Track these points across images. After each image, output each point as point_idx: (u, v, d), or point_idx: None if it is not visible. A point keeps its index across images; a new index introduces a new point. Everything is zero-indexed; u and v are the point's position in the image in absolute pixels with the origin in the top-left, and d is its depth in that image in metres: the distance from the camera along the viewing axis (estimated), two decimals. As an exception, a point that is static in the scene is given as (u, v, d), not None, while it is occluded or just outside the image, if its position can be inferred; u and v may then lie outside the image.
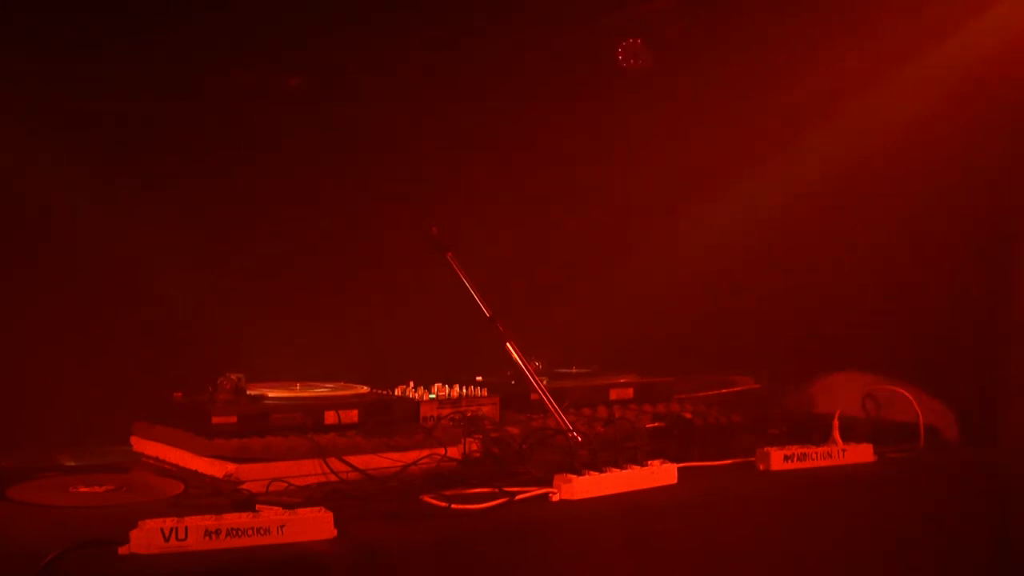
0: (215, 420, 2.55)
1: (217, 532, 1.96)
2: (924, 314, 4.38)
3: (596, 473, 2.46)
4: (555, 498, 2.41)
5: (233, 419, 2.57)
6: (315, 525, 2.04)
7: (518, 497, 2.36)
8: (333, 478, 2.46)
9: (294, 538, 2.01)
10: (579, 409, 3.08)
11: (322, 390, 2.89)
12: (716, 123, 5.07)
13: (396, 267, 5.74)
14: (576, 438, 2.64)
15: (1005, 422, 3.95)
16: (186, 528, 1.94)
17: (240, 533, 1.97)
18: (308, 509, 2.07)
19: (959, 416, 3.90)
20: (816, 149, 4.84)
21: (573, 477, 2.41)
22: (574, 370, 3.43)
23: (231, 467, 2.44)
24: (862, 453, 2.91)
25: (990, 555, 3.00)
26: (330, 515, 2.07)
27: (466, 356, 3.31)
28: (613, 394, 3.23)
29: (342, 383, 2.98)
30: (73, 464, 2.97)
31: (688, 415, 2.95)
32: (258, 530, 1.99)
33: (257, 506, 2.11)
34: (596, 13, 5.33)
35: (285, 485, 2.43)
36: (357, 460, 2.51)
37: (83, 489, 2.40)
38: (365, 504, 2.27)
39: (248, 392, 2.71)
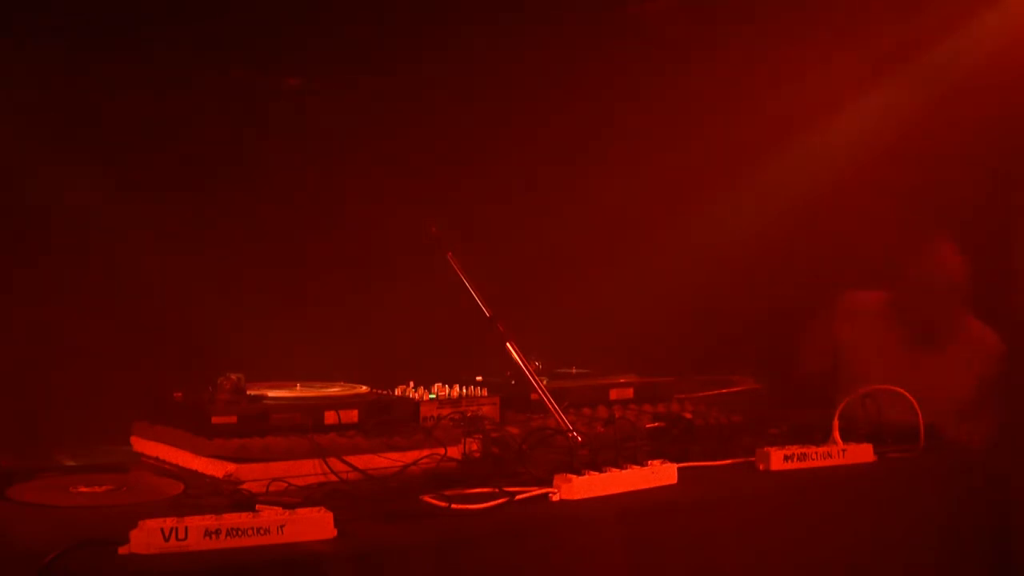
0: (215, 420, 2.55)
1: (217, 532, 1.96)
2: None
3: (596, 473, 2.45)
4: (555, 498, 2.41)
5: (233, 419, 2.57)
6: (315, 525, 2.04)
7: (518, 497, 2.36)
8: (333, 478, 2.46)
9: (294, 538, 2.01)
10: (579, 409, 3.07)
11: (322, 390, 2.89)
12: (716, 124, 5.08)
13: (396, 267, 5.74)
14: (576, 438, 2.64)
15: (1006, 422, 3.96)
16: (186, 528, 1.94)
17: (240, 533, 1.97)
18: (308, 509, 2.07)
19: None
20: (817, 149, 4.85)
21: (573, 477, 2.41)
22: (574, 370, 3.43)
23: (231, 467, 2.44)
24: (862, 453, 2.91)
25: (990, 555, 3.00)
26: (330, 515, 2.07)
27: (466, 356, 3.31)
28: (613, 394, 3.23)
29: (342, 383, 2.97)
30: (73, 464, 2.97)
31: (688, 415, 2.94)
32: (258, 530, 1.99)
33: (257, 506, 2.11)
34: (596, 13, 5.33)
35: (285, 485, 2.43)
36: (357, 460, 2.51)
37: (83, 489, 2.40)
38: (365, 504, 2.27)
39: (248, 392, 2.71)
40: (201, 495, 2.35)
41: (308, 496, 2.30)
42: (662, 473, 2.58)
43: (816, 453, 2.84)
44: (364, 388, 2.96)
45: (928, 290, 4.15)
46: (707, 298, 5.05)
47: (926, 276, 4.16)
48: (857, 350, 4.28)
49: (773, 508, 2.66)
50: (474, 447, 2.69)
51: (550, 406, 2.73)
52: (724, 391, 3.49)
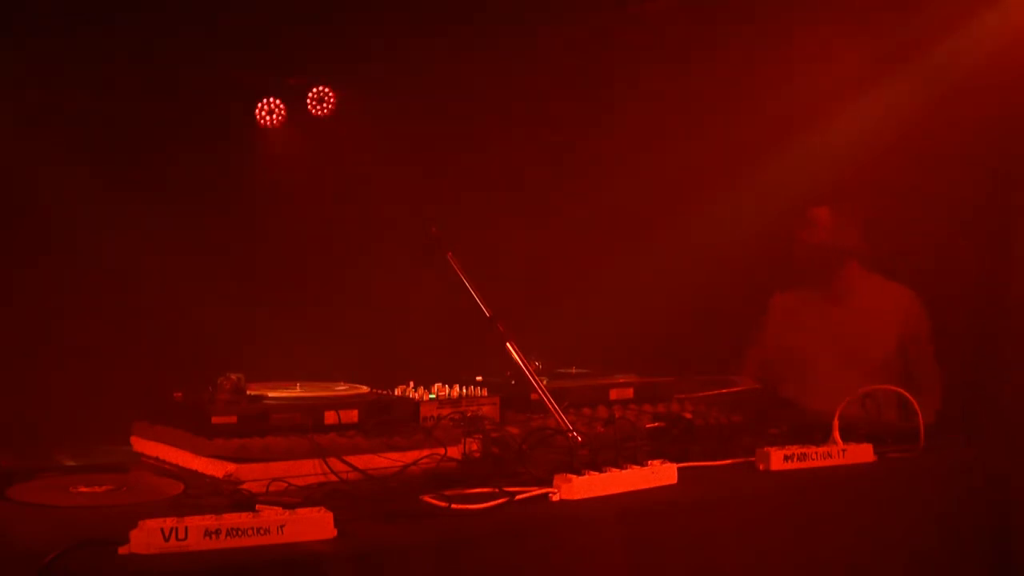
0: (215, 420, 2.55)
1: (217, 532, 1.96)
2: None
3: (596, 473, 2.45)
4: (555, 498, 2.41)
5: (233, 419, 2.57)
6: (315, 525, 2.04)
7: (518, 497, 2.36)
8: (333, 478, 2.46)
9: (294, 538, 2.01)
10: (579, 409, 3.07)
11: (322, 390, 2.89)
12: (716, 124, 5.08)
13: (396, 267, 5.75)
14: (576, 438, 2.64)
15: (1005, 421, 3.96)
16: (186, 528, 1.94)
17: (240, 533, 1.97)
18: (308, 509, 2.07)
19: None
20: (817, 149, 4.84)
21: (573, 477, 2.41)
22: (574, 370, 3.42)
23: (231, 467, 2.44)
24: (862, 453, 2.90)
25: (990, 555, 3.00)
26: (330, 515, 2.07)
27: (466, 356, 3.31)
28: (613, 394, 3.22)
29: (342, 383, 2.97)
30: (73, 464, 2.97)
31: (688, 415, 2.94)
32: (258, 530, 1.99)
33: (257, 506, 2.11)
34: (596, 13, 5.33)
35: (285, 485, 2.43)
36: (357, 460, 2.51)
37: (83, 489, 2.40)
38: (365, 504, 2.27)
39: (248, 392, 2.71)
40: (201, 495, 2.35)
41: (308, 496, 2.30)
42: (662, 473, 2.58)
43: (816, 453, 2.84)
44: (364, 388, 2.96)
45: (817, 253, 4.36)
46: (707, 298, 5.05)
47: (813, 241, 4.38)
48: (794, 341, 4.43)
49: (773, 508, 2.66)
50: (474, 447, 2.69)
51: (550, 406, 2.73)
52: (724, 391, 3.49)
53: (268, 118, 6.21)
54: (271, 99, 6.20)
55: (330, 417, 2.68)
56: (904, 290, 4.33)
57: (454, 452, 2.66)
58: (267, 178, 5.99)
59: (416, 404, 2.86)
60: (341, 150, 6.16)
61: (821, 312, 4.41)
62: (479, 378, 3.14)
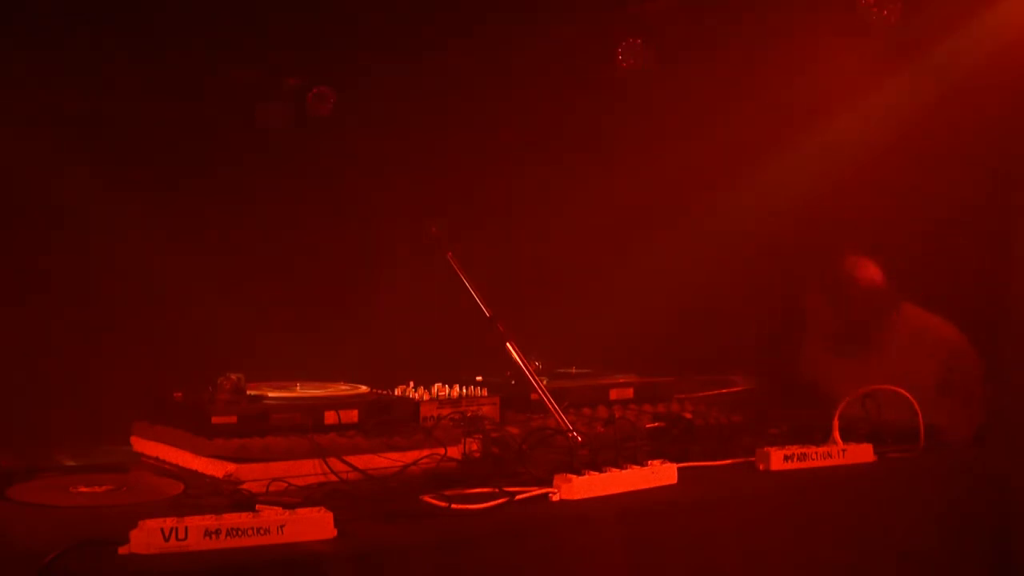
0: (215, 420, 2.55)
1: (217, 532, 1.96)
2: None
3: (596, 473, 2.46)
4: (555, 498, 2.41)
5: (233, 419, 2.57)
6: (315, 525, 2.05)
7: (518, 497, 2.36)
8: (333, 478, 2.46)
9: (294, 538, 2.02)
10: (579, 409, 3.07)
11: (322, 390, 2.89)
12: (716, 124, 5.08)
13: (396, 267, 5.75)
14: (576, 438, 2.64)
15: (1005, 421, 3.96)
16: (186, 528, 1.94)
17: (240, 533, 1.98)
18: (308, 509, 2.07)
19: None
20: (817, 149, 4.84)
21: (573, 477, 2.41)
22: (574, 370, 3.43)
23: (231, 467, 2.44)
24: (862, 453, 2.91)
25: (990, 555, 3.00)
26: (330, 515, 2.07)
27: (466, 356, 3.31)
28: (613, 394, 3.23)
29: (342, 383, 2.98)
30: (73, 464, 2.97)
31: (688, 415, 2.94)
32: (258, 530, 1.99)
33: (257, 506, 2.11)
34: (596, 13, 5.33)
35: (285, 485, 2.43)
36: (357, 460, 2.51)
37: (83, 489, 2.40)
38: (365, 504, 2.27)
39: (248, 392, 2.71)
40: (201, 495, 2.35)
41: (308, 496, 2.30)
42: (662, 473, 2.58)
43: (816, 453, 2.84)
44: (364, 388, 2.96)
45: (847, 297, 4.20)
46: (707, 298, 5.05)
47: (841, 287, 4.22)
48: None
49: (773, 508, 2.66)
50: (474, 447, 2.69)
51: (550, 406, 2.73)
52: (724, 391, 3.49)
53: (268, 119, 6.19)
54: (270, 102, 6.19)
55: (330, 417, 2.69)
56: (947, 329, 4.17)
57: (454, 452, 2.67)
58: (267, 179, 5.99)
59: (416, 404, 2.86)
60: (341, 150, 6.16)
61: (860, 362, 4.22)
62: (479, 378, 3.15)
